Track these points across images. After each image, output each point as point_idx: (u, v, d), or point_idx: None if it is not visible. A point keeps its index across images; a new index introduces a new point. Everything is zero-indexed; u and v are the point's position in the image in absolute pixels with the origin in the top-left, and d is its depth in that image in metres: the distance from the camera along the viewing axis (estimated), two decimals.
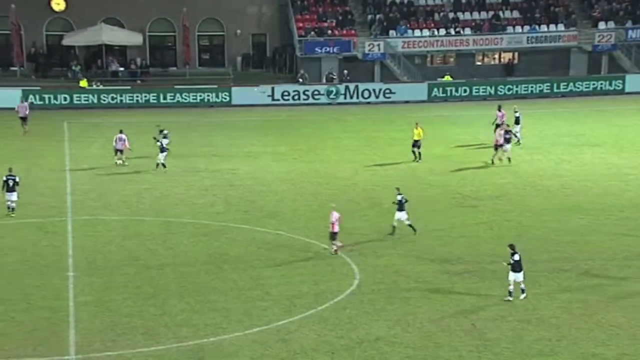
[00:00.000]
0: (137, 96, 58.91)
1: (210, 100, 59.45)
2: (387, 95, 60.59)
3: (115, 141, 41.07)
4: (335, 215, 29.23)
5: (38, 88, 58.35)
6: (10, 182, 32.78)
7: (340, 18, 66.82)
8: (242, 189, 37.90)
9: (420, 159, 42.51)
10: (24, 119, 48.49)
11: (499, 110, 46.32)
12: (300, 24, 66.02)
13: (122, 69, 64.83)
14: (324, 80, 62.99)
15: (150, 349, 22.36)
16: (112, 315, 24.38)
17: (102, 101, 58.15)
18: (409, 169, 41.55)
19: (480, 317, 24.39)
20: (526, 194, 37.19)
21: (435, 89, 61.55)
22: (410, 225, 31.25)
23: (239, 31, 67.96)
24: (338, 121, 54.09)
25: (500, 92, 61.56)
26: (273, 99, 59.69)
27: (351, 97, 60.29)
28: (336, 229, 29.18)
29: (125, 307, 24.94)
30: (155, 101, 58.82)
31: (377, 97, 60.43)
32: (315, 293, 26.13)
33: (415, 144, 42.68)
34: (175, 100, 59.10)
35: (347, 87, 60.51)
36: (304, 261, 29.02)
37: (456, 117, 54.65)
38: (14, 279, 26.95)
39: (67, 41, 64.75)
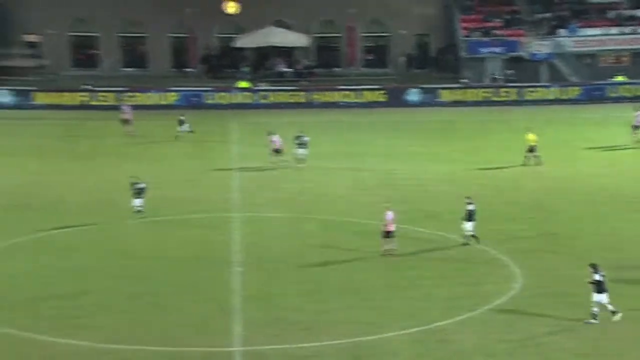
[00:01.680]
0: (303, 96, 60.01)
1: (373, 100, 59.74)
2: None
3: (271, 142, 41.72)
4: (389, 215, 28.96)
5: (210, 89, 60.48)
6: (136, 190, 32.93)
7: (507, 18, 65.57)
8: (402, 189, 37.87)
9: (540, 163, 41.06)
10: (126, 121, 48.96)
11: (636, 111, 44.87)
12: (465, 24, 65.28)
13: (288, 69, 66.20)
14: (488, 81, 62.04)
15: (310, 344, 22.65)
16: (276, 309, 24.88)
17: (269, 101, 59.64)
18: (575, 172, 40.28)
19: None
20: None
21: (607, 90, 59.39)
22: (473, 236, 30.03)
23: (403, 32, 67.93)
24: (501, 122, 53.11)
25: None
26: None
27: None
28: (391, 228, 28.94)
29: (287, 303, 25.40)
30: (319, 101, 59.73)
31: None
32: (475, 295, 25.77)
33: (531, 149, 41.24)
34: (338, 100, 59.79)
35: None
36: (463, 262, 28.70)
37: (630, 118, 52.41)
38: (185, 272, 27.98)
39: (237, 43, 66.86)
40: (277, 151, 41.50)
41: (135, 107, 53.56)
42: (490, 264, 28.50)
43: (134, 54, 68.95)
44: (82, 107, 56.70)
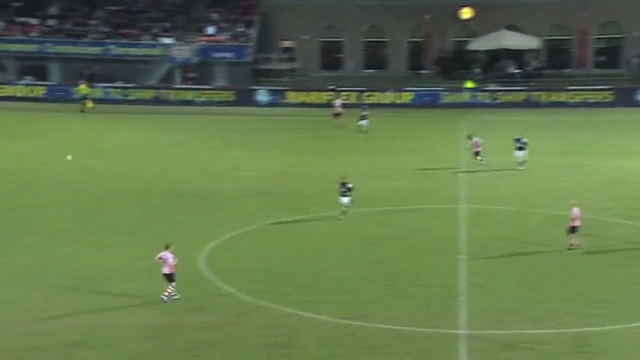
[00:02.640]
0: (531, 96, 58.29)
1: (601, 100, 56.86)
2: None
3: (473, 145, 40.35)
4: (575, 211, 27.59)
5: (442, 89, 60.27)
6: (345, 189, 31.80)
7: None
8: (629, 186, 35.76)
9: None
10: (337, 115, 50.89)
11: None
12: None
13: (518, 71, 64.59)
14: None
15: (533, 331, 21.89)
16: (498, 297, 24.30)
17: (498, 101, 58.47)
18: None
19: None
20: None
21: None
22: None
23: (637, 33, 64.17)
24: None
25: None
26: None
27: None
28: (576, 223, 27.66)
29: (510, 291, 24.72)
30: (547, 101, 57.74)
31: None
32: None
33: None
34: (566, 100, 57.48)
35: None
36: None
37: None
38: (413, 258, 28.00)
39: (470, 46, 66.22)
40: (478, 154, 40.13)
41: (373, 106, 54.83)
42: None
43: (375, 57, 70.12)
44: (327, 105, 58.35)
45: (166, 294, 23.59)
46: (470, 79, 61.65)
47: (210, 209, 33.47)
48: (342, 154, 44.10)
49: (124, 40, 63.92)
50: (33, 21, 65.14)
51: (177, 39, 63.90)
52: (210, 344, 21.16)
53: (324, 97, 59.07)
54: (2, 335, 21.23)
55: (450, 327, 22.34)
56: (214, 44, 64.11)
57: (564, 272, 26.22)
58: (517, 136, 40.14)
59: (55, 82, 60.68)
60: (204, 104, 58.62)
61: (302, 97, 59.56)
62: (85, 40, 63.79)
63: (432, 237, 30.18)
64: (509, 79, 63.07)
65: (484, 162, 39.86)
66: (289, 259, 27.78)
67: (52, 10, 66.45)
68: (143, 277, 25.53)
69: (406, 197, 35.24)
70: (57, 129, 49.63)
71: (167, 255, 23.66)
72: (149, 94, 59.53)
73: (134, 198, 34.95)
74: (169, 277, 23.67)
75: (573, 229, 28.05)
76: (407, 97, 59.17)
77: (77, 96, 56.09)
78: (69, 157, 38.64)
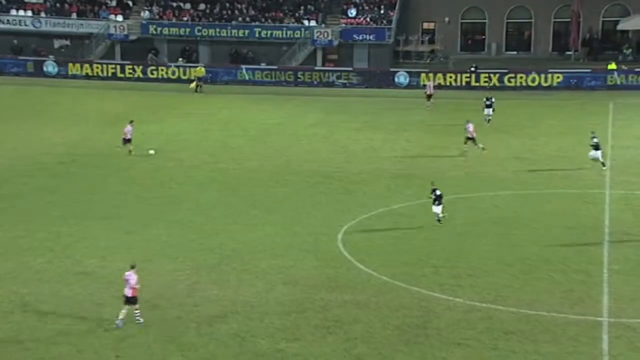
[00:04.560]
0: None
1: None
2: None
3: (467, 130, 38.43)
4: None
5: (588, 71, 58.10)
6: (435, 197, 28.98)
7: None
8: None
9: None
10: (429, 96, 50.86)
11: None
12: None
13: None
14: None
15: None
16: None
17: None
18: None
19: None
20: None
21: None
22: None
23: None
24: None
25: None
26: None
27: None
28: None
29: None
30: None
31: None
32: None
33: None
34: None
35: None
36: None
37: None
38: (554, 242, 27.40)
39: (621, 26, 63.61)
40: (470, 139, 38.39)
41: (518, 88, 54.74)
42: None
43: (518, 38, 68.42)
44: (467, 87, 57.51)
45: (120, 318, 20.81)
46: (614, 60, 59.12)
47: (347, 189, 33.86)
48: (481, 136, 43.35)
49: (269, 23, 65.26)
50: (185, 6, 67.51)
51: (320, 22, 64.64)
52: (348, 322, 21.55)
53: (464, 79, 58.21)
54: (161, 303, 22.38)
55: (593, 314, 21.82)
56: (356, 26, 64.45)
57: None
58: (592, 134, 36.40)
59: (203, 64, 62.69)
60: (343, 85, 59.10)
61: (441, 79, 58.87)
62: (233, 23, 65.58)
63: (573, 222, 29.42)
64: None
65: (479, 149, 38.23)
66: (424, 241, 27.78)
67: None
68: (285, 254, 26.24)
69: (548, 181, 34.43)
70: (204, 110, 51.36)
71: (130, 275, 20.91)
72: (291, 75, 60.52)
73: (276, 177, 35.81)
74: (130, 300, 20.79)
75: None
76: (552, 79, 57.37)
77: (194, 77, 57.77)
78: (152, 152, 39.01)
